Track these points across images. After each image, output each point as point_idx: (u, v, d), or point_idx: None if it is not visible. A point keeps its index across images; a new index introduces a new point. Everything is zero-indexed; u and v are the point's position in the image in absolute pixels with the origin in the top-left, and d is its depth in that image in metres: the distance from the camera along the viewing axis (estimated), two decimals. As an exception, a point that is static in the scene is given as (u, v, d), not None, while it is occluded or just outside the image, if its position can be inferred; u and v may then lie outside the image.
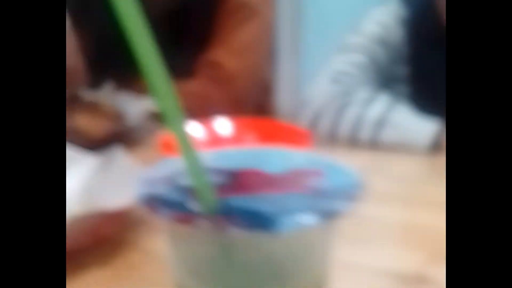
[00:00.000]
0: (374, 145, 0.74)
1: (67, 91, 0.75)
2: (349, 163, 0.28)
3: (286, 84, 2.77)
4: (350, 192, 0.25)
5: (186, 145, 0.25)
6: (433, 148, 0.72)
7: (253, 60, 0.87)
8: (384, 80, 0.84)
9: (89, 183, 0.45)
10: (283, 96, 2.72)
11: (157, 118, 0.76)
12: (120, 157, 0.46)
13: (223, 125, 0.71)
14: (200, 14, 0.87)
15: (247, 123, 0.72)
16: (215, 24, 0.87)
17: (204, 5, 0.87)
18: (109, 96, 0.80)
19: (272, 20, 0.93)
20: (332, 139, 0.76)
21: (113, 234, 0.45)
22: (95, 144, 0.64)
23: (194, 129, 0.67)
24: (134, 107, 0.76)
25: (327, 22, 2.84)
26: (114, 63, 0.92)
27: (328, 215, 0.24)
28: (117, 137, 0.70)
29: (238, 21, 0.86)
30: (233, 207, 0.24)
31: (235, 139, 0.71)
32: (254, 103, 0.90)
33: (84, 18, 0.90)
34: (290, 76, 2.76)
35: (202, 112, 0.74)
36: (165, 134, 0.67)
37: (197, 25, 0.87)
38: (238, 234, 0.22)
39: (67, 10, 0.82)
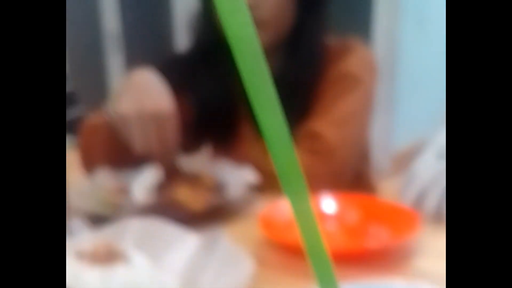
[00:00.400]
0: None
1: (166, 162, 0.77)
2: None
3: (381, 148, 2.74)
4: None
5: (309, 220, 0.22)
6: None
7: (355, 131, 0.86)
8: None
9: (191, 265, 0.44)
10: (378, 162, 2.68)
11: (258, 189, 0.75)
12: (222, 238, 0.44)
13: (326, 201, 0.68)
14: (302, 82, 0.87)
15: (350, 200, 0.68)
16: (317, 93, 0.86)
17: (306, 73, 0.87)
18: (207, 163, 0.80)
19: (375, 89, 0.90)
20: (439, 220, 0.69)
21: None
22: (195, 218, 0.63)
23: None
24: (234, 177, 0.75)
25: (423, 87, 2.80)
26: (213, 128, 0.93)
27: None
28: (217, 210, 0.68)
29: (341, 91, 0.85)
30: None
31: (339, 217, 0.67)
32: (353, 172, 0.87)
33: (188, 83, 0.92)
34: (385, 139, 2.72)
35: None
36: (266, 209, 0.65)
37: (298, 93, 0.86)
38: None
39: (168, 78, 0.85)
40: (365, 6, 2.60)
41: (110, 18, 3.71)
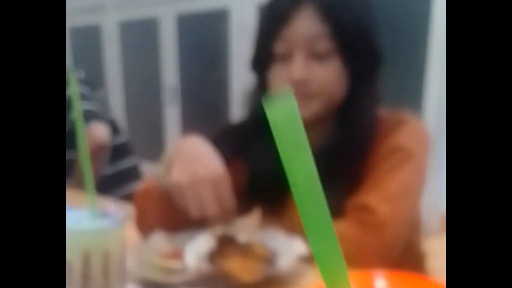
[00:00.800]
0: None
1: (221, 226, 0.78)
2: None
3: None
4: None
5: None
6: None
7: (406, 205, 0.84)
8: None
9: None
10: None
11: (310, 261, 0.74)
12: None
13: (378, 280, 0.66)
14: (353, 154, 0.87)
15: (403, 281, 0.67)
16: (369, 165, 0.86)
17: (358, 145, 0.87)
18: (259, 231, 0.81)
19: (427, 163, 0.89)
20: None
21: None
22: (246, 288, 0.63)
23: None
24: (285, 248, 0.74)
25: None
26: (264, 195, 0.94)
27: None
28: (268, 282, 0.68)
29: (394, 165, 0.84)
30: None
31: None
32: (403, 244, 0.85)
33: (241, 151, 0.94)
34: (435, 201, 2.67)
35: (349, 256, 0.71)
36: (317, 281, 0.64)
37: (350, 164, 0.86)
38: None
39: (223, 145, 0.87)
40: (417, 77, 2.61)
41: (170, 73, 3.86)
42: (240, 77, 3.32)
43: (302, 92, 0.84)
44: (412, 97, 2.61)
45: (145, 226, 0.87)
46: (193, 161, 0.79)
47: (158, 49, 3.84)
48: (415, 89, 2.62)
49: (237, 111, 3.31)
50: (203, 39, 3.58)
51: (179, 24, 3.67)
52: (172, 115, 3.87)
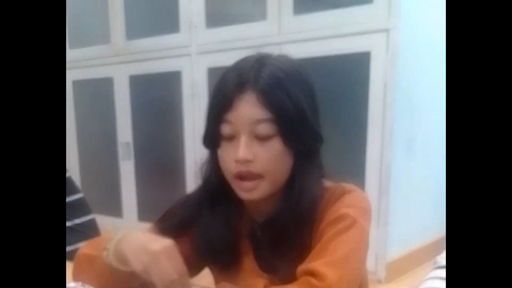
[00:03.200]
0: None
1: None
2: None
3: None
4: None
5: None
6: None
7: (352, 268, 0.89)
8: None
9: None
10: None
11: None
12: None
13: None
14: (300, 223, 0.94)
15: None
16: (316, 233, 0.93)
17: (303, 216, 0.94)
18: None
19: (369, 228, 0.96)
20: None
21: None
22: None
23: None
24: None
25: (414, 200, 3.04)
26: (217, 263, 1.03)
27: None
28: None
29: (339, 231, 0.89)
30: None
31: None
32: None
33: (195, 221, 1.02)
34: (381, 250, 2.91)
35: None
36: None
37: (298, 233, 0.94)
38: None
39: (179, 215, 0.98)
40: (359, 152, 2.88)
41: (124, 130, 3.97)
42: (192, 136, 3.52)
43: (248, 171, 0.90)
44: (356, 170, 2.88)
45: (81, 281, 0.95)
46: (144, 244, 0.84)
47: (112, 106, 3.98)
48: (358, 162, 2.89)
49: (190, 168, 3.49)
50: (157, 98, 3.76)
51: (132, 83, 3.85)
52: (127, 170, 3.98)
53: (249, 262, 1.00)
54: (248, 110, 0.89)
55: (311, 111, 0.94)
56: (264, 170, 0.90)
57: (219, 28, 3.33)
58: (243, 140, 0.89)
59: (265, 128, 0.89)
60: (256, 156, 0.90)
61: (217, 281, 1.05)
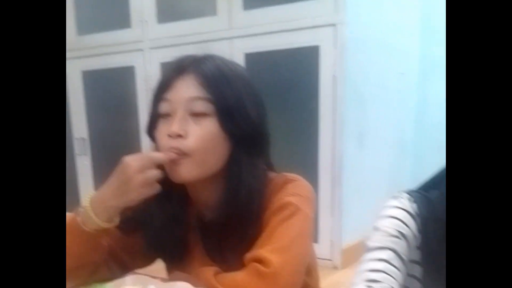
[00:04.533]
0: None
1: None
2: None
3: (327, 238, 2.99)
4: None
5: None
6: None
7: (297, 253, 0.91)
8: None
9: None
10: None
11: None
12: None
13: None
14: (244, 212, 0.96)
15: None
16: (263, 222, 0.95)
17: (246, 205, 0.95)
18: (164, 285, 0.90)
19: (313, 215, 0.99)
20: None
21: None
22: None
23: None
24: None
25: (366, 185, 3.12)
26: (166, 254, 1.05)
27: None
28: None
29: (283, 219, 0.92)
30: None
31: None
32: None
33: (143, 216, 1.03)
34: (336, 237, 2.98)
35: None
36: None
37: (244, 222, 0.96)
38: None
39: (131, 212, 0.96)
40: (312, 131, 2.93)
41: (80, 125, 3.94)
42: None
43: (178, 148, 0.90)
44: (309, 162, 2.93)
45: None
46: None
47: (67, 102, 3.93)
48: (311, 155, 2.94)
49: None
50: (111, 93, 3.74)
51: (86, 79, 3.82)
52: (83, 166, 3.96)
53: (198, 253, 1.02)
54: (186, 88, 0.91)
55: (252, 105, 0.95)
56: (194, 148, 0.91)
57: (171, 23, 3.32)
58: (178, 115, 0.90)
59: (201, 105, 0.91)
60: (188, 133, 0.90)
61: (169, 271, 1.06)
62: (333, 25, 2.70)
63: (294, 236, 0.91)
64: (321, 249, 2.97)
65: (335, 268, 2.95)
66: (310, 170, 2.86)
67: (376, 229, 0.92)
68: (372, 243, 0.91)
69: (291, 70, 2.91)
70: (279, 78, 2.91)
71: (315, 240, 3.03)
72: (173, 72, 0.93)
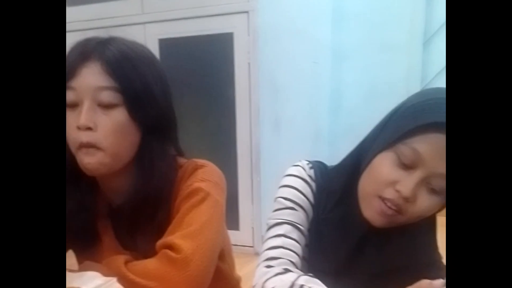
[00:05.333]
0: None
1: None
2: None
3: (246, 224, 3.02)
4: None
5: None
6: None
7: (208, 239, 0.91)
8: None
9: None
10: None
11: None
12: None
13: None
14: (154, 199, 0.95)
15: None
16: (174, 208, 0.95)
17: (156, 192, 0.95)
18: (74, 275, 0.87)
19: (223, 201, 0.99)
20: None
21: None
22: None
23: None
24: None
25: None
26: (76, 242, 1.01)
27: None
28: None
29: (193, 205, 0.92)
30: None
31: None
32: (211, 274, 0.94)
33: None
34: (256, 222, 3.01)
35: None
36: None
37: (154, 209, 0.95)
38: None
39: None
40: (230, 118, 2.93)
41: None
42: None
43: (88, 143, 0.88)
44: (228, 149, 2.93)
45: None
46: None
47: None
48: (230, 142, 2.94)
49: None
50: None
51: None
52: None
53: (109, 241, 1.00)
54: (92, 77, 0.87)
55: (160, 91, 0.94)
56: (105, 142, 0.88)
57: (82, 6, 3.20)
58: (85, 106, 0.87)
59: (109, 96, 0.88)
60: (98, 126, 0.88)
61: (80, 261, 1.02)
62: (246, 12, 2.69)
63: (204, 221, 0.91)
64: (243, 236, 2.98)
65: (256, 254, 2.98)
66: (229, 158, 2.86)
67: (275, 200, 0.93)
68: (270, 220, 0.92)
69: (206, 56, 2.89)
70: (195, 65, 2.87)
71: (236, 227, 3.05)
72: (77, 58, 0.88)
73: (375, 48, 3.25)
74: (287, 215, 0.91)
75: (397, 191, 0.77)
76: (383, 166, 0.79)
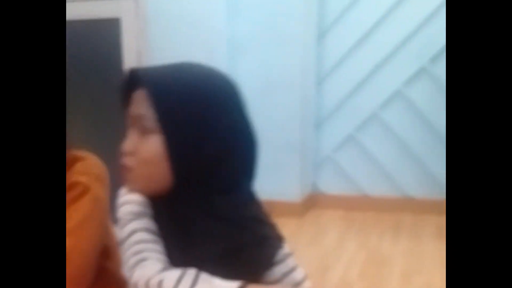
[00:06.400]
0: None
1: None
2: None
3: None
4: None
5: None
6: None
7: (87, 235, 0.89)
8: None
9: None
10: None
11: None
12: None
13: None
14: None
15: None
16: None
17: None
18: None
19: (106, 195, 0.95)
20: None
21: None
22: None
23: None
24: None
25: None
26: None
27: None
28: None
29: (71, 199, 0.88)
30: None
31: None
32: (93, 272, 0.91)
33: None
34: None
35: None
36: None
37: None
38: None
39: None
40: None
41: None
42: None
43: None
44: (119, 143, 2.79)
45: None
46: None
47: None
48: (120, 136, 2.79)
49: None
50: None
51: None
52: None
53: None
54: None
55: None
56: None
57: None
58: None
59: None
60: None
61: None
62: (133, -4, 2.57)
63: (82, 218, 0.88)
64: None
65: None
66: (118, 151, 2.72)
67: (117, 220, 0.85)
68: (119, 236, 0.85)
69: (92, 42, 2.74)
70: (80, 51, 2.70)
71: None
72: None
73: (271, 40, 3.22)
74: (135, 224, 0.82)
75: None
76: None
